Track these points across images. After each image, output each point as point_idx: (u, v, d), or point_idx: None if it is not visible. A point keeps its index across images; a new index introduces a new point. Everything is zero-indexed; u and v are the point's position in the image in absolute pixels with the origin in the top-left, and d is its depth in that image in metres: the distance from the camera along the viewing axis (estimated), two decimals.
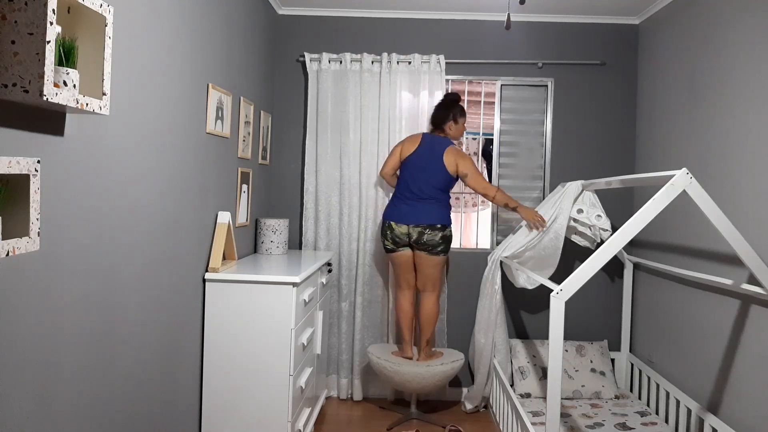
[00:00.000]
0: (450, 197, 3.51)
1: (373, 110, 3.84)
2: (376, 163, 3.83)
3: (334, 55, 3.83)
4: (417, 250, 3.44)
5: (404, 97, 3.84)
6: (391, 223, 3.44)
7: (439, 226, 3.37)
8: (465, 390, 3.88)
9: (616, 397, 3.58)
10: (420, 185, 3.42)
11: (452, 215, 3.54)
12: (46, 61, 1.24)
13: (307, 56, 3.84)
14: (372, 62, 3.83)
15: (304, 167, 3.93)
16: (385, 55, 3.80)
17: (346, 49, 3.91)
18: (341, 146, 3.86)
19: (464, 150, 4.03)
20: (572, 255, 3.93)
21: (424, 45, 3.92)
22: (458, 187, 4.12)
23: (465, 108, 3.64)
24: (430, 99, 3.82)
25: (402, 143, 3.56)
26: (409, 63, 3.82)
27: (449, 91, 3.67)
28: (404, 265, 3.51)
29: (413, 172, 3.45)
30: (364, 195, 3.83)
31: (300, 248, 3.95)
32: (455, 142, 3.57)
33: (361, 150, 3.83)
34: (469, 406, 3.72)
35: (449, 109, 3.52)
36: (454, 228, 3.74)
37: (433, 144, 3.47)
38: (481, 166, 4.12)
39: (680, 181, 2.22)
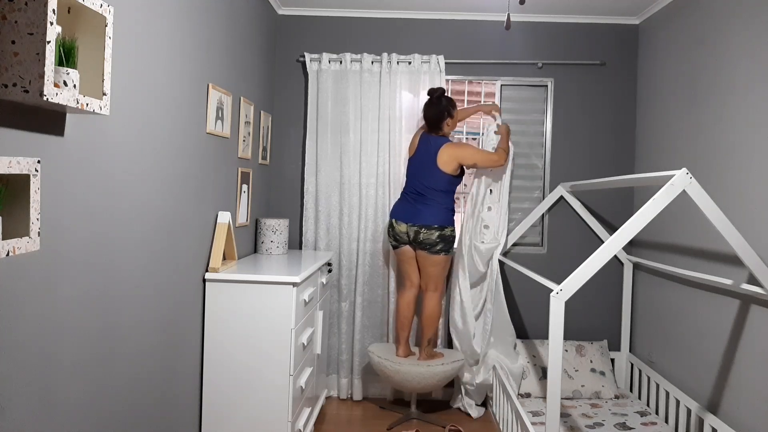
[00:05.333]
0: (453, 198, 3.50)
1: (373, 110, 3.84)
2: (376, 162, 3.83)
3: (334, 55, 3.83)
4: (417, 249, 3.45)
5: (404, 97, 3.84)
6: (393, 220, 3.49)
7: (435, 226, 3.38)
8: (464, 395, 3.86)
9: (616, 397, 3.58)
10: (419, 186, 3.45)
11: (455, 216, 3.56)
12: (47, 61, 1.24)
13: (307, 56, 3.84)
14: (372, 62, 3.83)
15: (304, 167, 3.92)
16: (385, 55, 3.80)
17: (346, 49, 3.91)
18: (341, 146, 3.86)
19: None
20: (572, 254, 3.93)
21: (424, 45, 3.92)
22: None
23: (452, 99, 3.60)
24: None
25: (412, 140, 3.64)
26: (409, 63, 3.82)
27: (432, 88, 3.62)
28: (407, 261, 3.53)
29: (413, 173, 3.51)
30: (364, 195, 3.83)
31: (300, 248, 3.95)
32: (451, 137, 3.57)
33: (361, 150, 3.83)
34: (474, 414, 3.69)
35: (440, 105, 3.47)
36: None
37: (428, 146, 3.48)
38: None
39: (680, 181, 2.23)
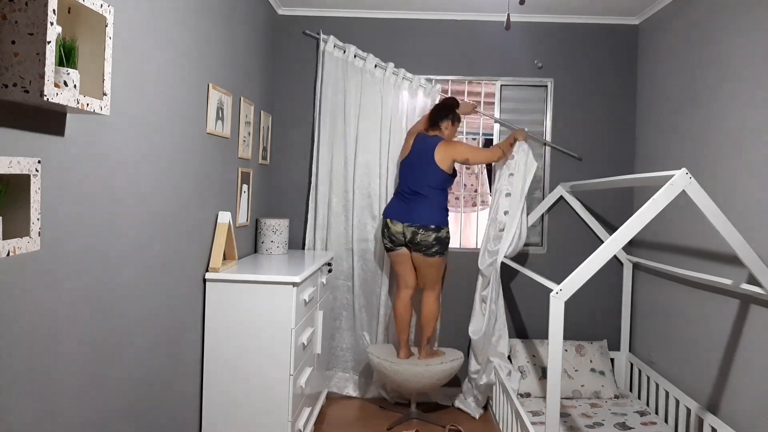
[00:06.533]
0: (447, 197, 3.50)
1: (371, 109, 3.84)
2: (375, 161, 3.83)
3: (340, 43, 3.84)
4: (413, 251, 3.44)
5: (405, 104, 3.84)
6: (388, 220, 3.47)
7: (432, 227, 3.37)
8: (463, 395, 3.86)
9: (616, 397, 3.58)
10: (415, 184, 3.44)
11: (450, 215, 3.54)
12: (47, 62, 1.24)
13: (321, 34, 3.84)
14: (375, 66, 3.83)
15: (303, 167, 3.92)
16: (391, 65, 3.80)
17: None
18: (339, 146, 3.85)
19: None
20: (572, 254, 3.92)
21: (424, 47, 3.92)
22: (458, 187, 4.12)
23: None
24: (425, 99, 3.85)
25: (405, 141, 3.66)
26: (410, 82, 3.84)
27: (448, 96, 3.68)
28: (403, 264, 3.52)
29: (409, 171, 3.51)
30: (363, 195, 3.83)
31: (300, 248, 3.95)
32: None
33: (356, 150, 3.83)
34: (476, 413, 3.69)
35: (449, 111, 3.55)
36: (454, 228, 3.73)
37: (425, 143, 3.50)
38: (481, 167, 4.13)
39: (680, 181, 2.23)
